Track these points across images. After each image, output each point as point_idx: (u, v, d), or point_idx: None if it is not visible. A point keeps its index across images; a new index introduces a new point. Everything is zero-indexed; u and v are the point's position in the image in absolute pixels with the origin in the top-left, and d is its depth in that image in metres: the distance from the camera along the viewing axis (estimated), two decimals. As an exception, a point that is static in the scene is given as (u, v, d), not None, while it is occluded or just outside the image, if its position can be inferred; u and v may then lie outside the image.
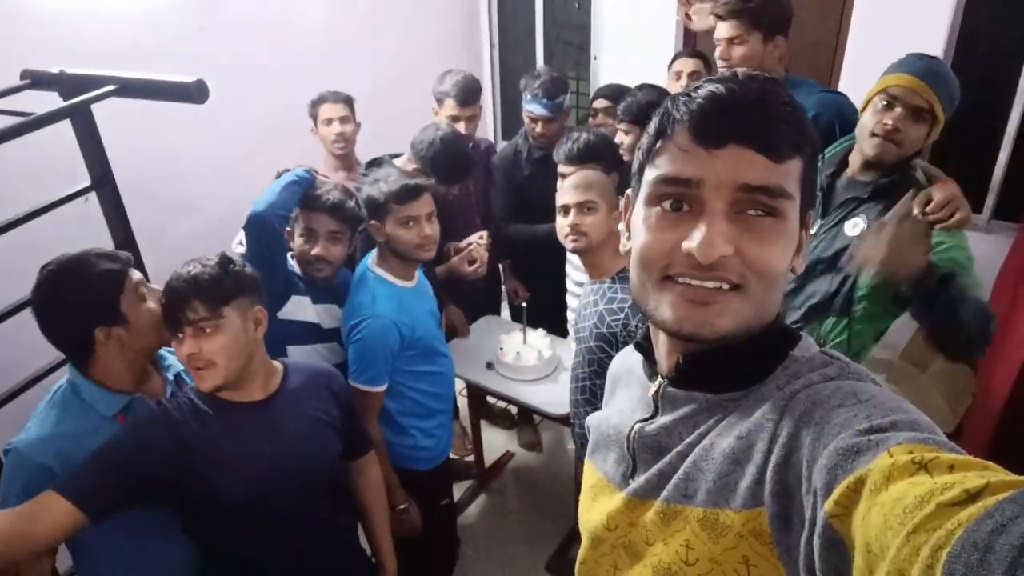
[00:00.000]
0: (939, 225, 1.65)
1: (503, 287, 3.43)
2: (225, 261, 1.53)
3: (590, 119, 3.03)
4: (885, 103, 1.73)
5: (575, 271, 2.52)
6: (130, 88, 1.52)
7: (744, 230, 0.66)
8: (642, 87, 2.58)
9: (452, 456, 2.57)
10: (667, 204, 0.69)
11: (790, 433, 0.64)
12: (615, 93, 2.88)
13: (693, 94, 0.68)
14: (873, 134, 1.74)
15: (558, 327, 2.81)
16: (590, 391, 1.93)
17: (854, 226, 1.80)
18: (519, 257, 3.15)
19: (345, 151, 2.92)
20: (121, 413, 1.49)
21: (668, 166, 0.69)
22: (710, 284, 0.67)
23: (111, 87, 1.49)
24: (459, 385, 2.80)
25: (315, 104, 2.87)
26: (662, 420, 0.78)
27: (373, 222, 2.03)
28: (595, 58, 4.20)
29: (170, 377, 1.67)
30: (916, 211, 1.62)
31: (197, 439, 1.47)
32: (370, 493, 1.87)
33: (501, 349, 2.68)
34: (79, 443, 1.39)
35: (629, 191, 0.81)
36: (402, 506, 2.08)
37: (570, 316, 2.61)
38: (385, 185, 1.99)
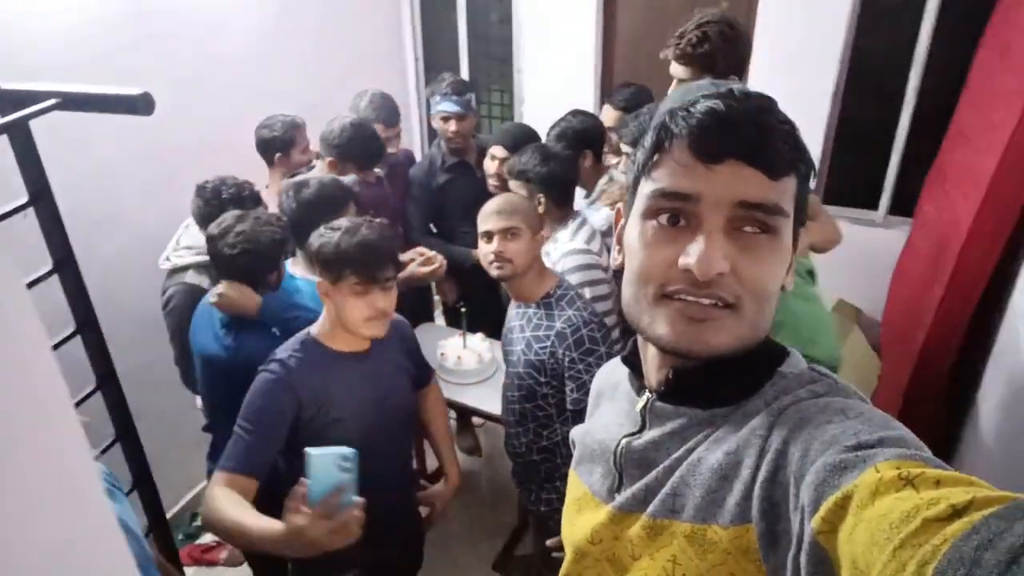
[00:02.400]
0: None
1: (434, 295, 3.48)
2: (383, 223, 1.76)
3: (486, 160, 2.83)
4: None
5: None
6: (72, 102, 1.47)
7: (741, 248, 0.66)
8: (576, 113, 2.63)
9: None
10: (664, 218, 0.69)
11: (778, 449, 0.63)
12: (516, 141, 2.67)
13: (691, 109, 0.68)
14: None
15: (496, 331, 2.89)
16: (520, 413, 1.96)
17: None
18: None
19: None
20: None
21: (666, 180, 0.68)
22: (706, 301, 0.66)
23: (52, 101, 1.45)
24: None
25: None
26: (650, 435, 0.77)
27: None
28: (518, 71, 4.32)
29: None
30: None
31: (317, 390, 1.67)
32: (433, 412, 2.11)
33: (442, 354, 2.73)
34: None
35: (620, 205, 0.80)
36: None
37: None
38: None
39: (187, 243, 2.34)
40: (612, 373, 0.95)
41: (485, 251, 1.84)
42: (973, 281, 2.30)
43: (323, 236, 1.69)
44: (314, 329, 1.76)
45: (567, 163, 2.27)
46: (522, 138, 2.70)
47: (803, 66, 3.40)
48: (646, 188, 0.71)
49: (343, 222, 1.73)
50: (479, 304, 2.93)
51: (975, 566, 0.37)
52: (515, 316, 1.95)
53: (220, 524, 1.47)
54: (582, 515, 0.86)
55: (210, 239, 1.97)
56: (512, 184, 2.27)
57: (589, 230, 2.26)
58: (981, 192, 2.18)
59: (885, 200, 3.51)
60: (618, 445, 0.81)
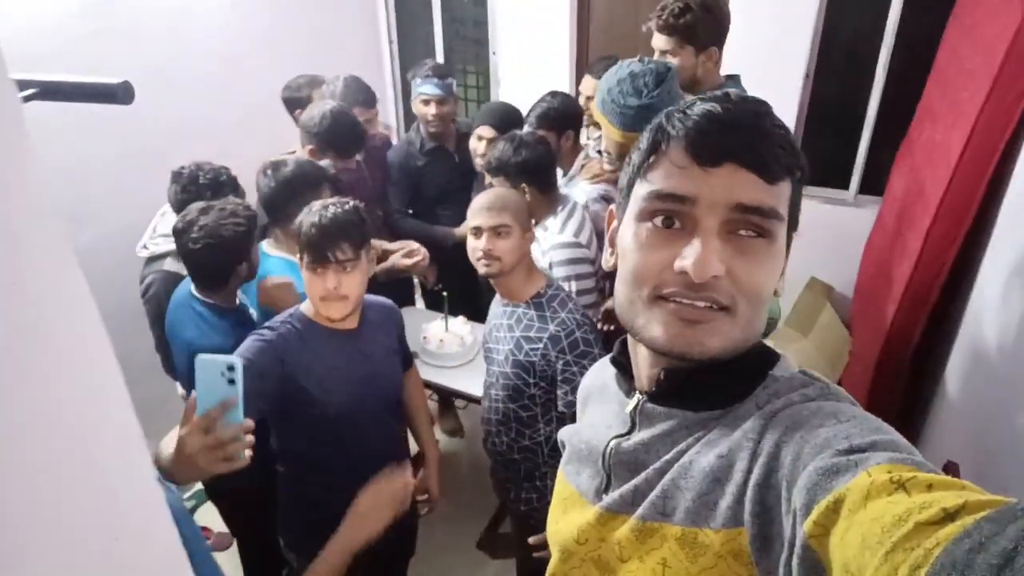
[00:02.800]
0: None
1: (414, 278, 3.49)
2: (357, 208, 1.76)
3: (472, 139, 2.84)
4: None
5: None
6: (51, 91, 1.45)
7: (736, 251, 0.66)
8: (555, 94, 2.63)
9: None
10: (659, 220, 0.69)
11: (770, 453, 0.63)
12: (504, 121, 2.73)
13: (689, 111, 0.68)
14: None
15: (477, 313, 2.91)
16: (503, 413, 1.94)
17: None
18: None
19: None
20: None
21: (663, 182, 0.68)
22: (701, 304, 0.66)
23: (31, 91, 1.42)
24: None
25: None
26: (640, 436, 0.77)
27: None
28: (494, 53, 4.31)
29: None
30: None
31: (304, 362, 1.68)
32: (412, 393, 2.14)
33: (424, 338, 2.75)
34: None
35: (613, 207, 0.80)
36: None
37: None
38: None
39: (164, 231, 2.33)
40: (599, 374, 0.95)
41: (473, 247, 1.81)
42: (941, 257, 2.35)
43: (302, 215, 1.74)
44: (303, 305, 1.80)
45: (540, 147, 2.27)
46: (507, 116, 2.75)
47: (776, 47, 3.44)
48: (641, 190, 0.70)
49: (319, 203, 1.75)
50: (460, 287, 2.94)
51: (967, 569, 0.37)
52: (502, 314, 1.92)
53: (157, 465, 1.38)
54: (568, 515, 0.86)
55: (175, 233, 1.95)
56: (494, 181, 2.27)
57: (579, 219, 2.25)
58: (949, 170, 2.24)
59: (856, 179, 3.58)
60: (607, 446, 0.80)
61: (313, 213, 1.70)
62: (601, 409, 0.89)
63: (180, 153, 2.50)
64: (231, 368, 1.21)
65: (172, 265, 2.25)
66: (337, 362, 1.75)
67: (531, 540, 1.77)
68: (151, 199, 2.43)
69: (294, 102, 3.03)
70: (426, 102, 2.96)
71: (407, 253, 2.62)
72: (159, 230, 2.35)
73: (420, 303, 3.57)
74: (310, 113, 2.59)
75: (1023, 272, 1.93)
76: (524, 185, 2.23)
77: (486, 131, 2.72)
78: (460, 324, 2.82)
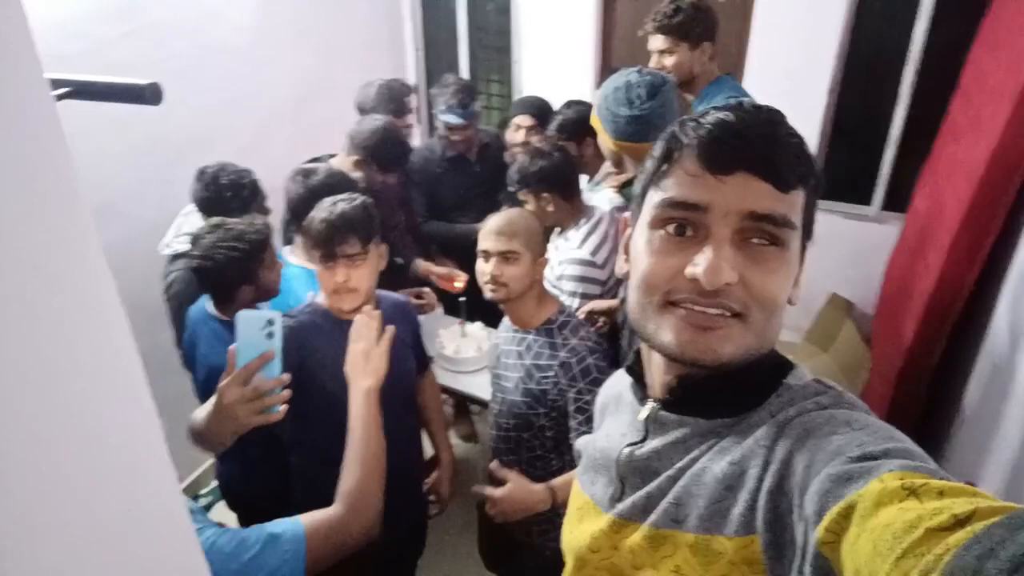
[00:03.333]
0: None
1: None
2: (365, 204, 1.80)
3: (509, 132, 3.02)
4: None
5: None
6: (84, 91, 1.51)
7: (748, 259, 0.66)
8: (570, 104, 2.67)
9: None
10: (671, 228, 0.69)
11: (783, 460, 0.63)
12: (540, 111, 2.89)
13: (702, 120, 0.68)
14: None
15: (495, 319, 2.91)
16: (515, 442, 1.85)
17: None
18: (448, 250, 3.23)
19: None
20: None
21: (675, 190, 0.68)
22: (713, 311, 0.66)
23: (64, 89, 1.48)
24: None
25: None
26: (653, 444, 0.77)
27: None
28: (516, 61, 4.33)
29: None
30: None
31: (318, 353, 1.72)
32: (429, 397, 2.17)
33: (441, 343, 2.77)
34: None
35: (627, 214, 0.80)
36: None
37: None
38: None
39: (188, 230, 2.37)
40: (616, 384, 0.95)
41: (481, 270, 1.78)
42: (962, 275, 2.33)
43: (312, 212, 1.79)
44: (320, 298, 1.85)
45: (557, 155, 2.29)
46: (543, 106, 2.87)
47: (800, 61, 3.43)
48: (655, 197, 0.71)
49: (333, 199, 1.80)
50: (477, 291, 2.94)
51: (977, 575, 0.37)
52: (510, 340, 1.86)
53: (191, 432, 1.48)
54: (583, 524, 0.86)
55: (190, 244, 1.97)
56: (519, 195, 2.30)
57: (600, 236, 2.26)
58: (971, 188, 2.22)
59: (879, 195, 3.55)
60: (620, 454, 0.81)
61: (322, 209, 1.75)
62: (617, 418, 0.89)
63: (205, 153, 2.54)
64: (270, 323, 1.27)
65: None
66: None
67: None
68: (176, 197, 2.47)
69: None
70: (449, 128, 3.01)
71: (447, 277, 2.81)
72: (183, 229, 2.39)
73: (439, 308, 3.58)
74: (361, 126, 2.66)
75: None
76: (546, 194, 2.25)
77: (524, 120, 2.84)
78: (477, 330, 2.83)
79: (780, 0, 3.41)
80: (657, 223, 0.70)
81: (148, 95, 1.60)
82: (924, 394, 2.60)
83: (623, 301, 2.03)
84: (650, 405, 0.79)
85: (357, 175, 2.54)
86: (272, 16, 3.47)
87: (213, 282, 1.97)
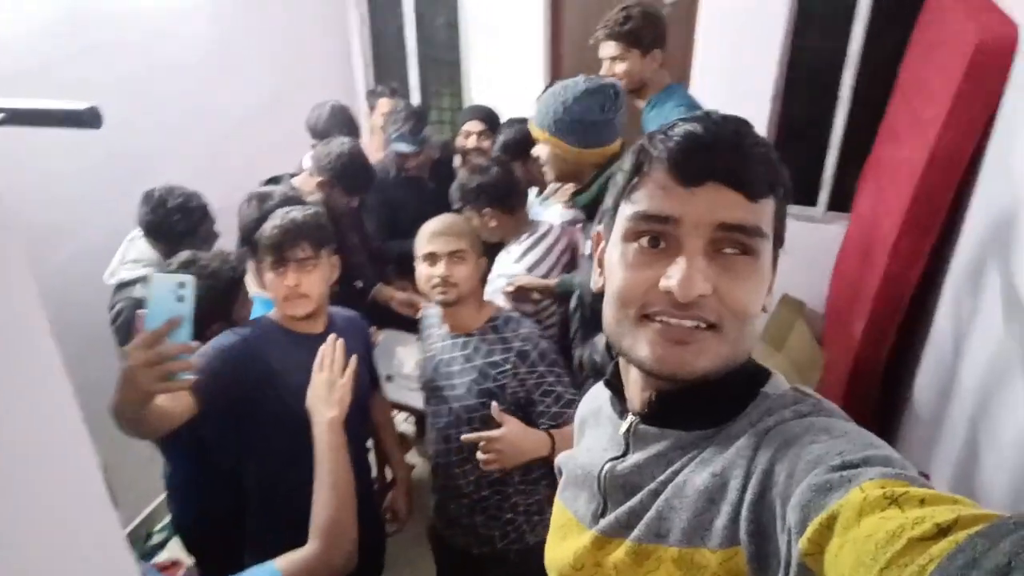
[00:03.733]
0: None
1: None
2: (317, 212, 1.81)
3: (459, 139, 3.09)
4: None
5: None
6: (18, 117, 1.46)
7: (721, 269, 0.66)
8: (512, 122, 2.69)
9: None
10: (644, 241, 0.69)
11: (764, 470, 0.63)
12: (489, 117, 2.96)
13: (670, 132, 0.68)
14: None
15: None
16: (468, 449, 1.74)
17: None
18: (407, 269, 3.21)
19: None
20: None
21: (646, 203, 0.68)
22: (688, 323, 0.66)
23: None
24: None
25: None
26: (634, 458, 0.77)
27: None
28: (467, 75, 4.34)
29: None
30: None
31: (272, 367, 1.70)
32: (381, 413, 2.18)
33: (399, 361, 2.74)
34: None
35: (600, 228, 0.80)
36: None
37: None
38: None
39: (133, 256, 2.30)
40: (595, 399, 0.94)
41: (429, 274, 1.75)
42: (907, 272, 2.40)
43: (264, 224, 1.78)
44: (271, 312, 1.83)
45: (496, 170, 2.30)
46: (491, 113, 2.93)
47: (744, 69, 3.51)
48: (626, 211, 0.71)
49: (285, 208, 1.80)
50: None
51: None
52: (451, 348, 1.83)
53: (112, 411, 1.40)
54: (566, 541, 0.85)
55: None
56: (462, 211, 2.32)
57: (540, 253, 2.28)
58: (912, 187, 2.28)
59: (824, 197, 3.64)
60: (602, 470, 0.80)
61: (274, 217, 1.77)
62: (596, 433, 0.88)
63: (156, 174, 2.48)
64: (182, 285, 1.25)
65: (142, 291, 2.22)
66: (306, 364, 1.71)
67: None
68: (126, 220, 2.40)
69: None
70: (401, 155, 3.01)
71: (407, 303, 2.83)
72: (128, 256, 2.32)
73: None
74: (327, 148, 2.66)
75: (984, 287, 1.98)
76: (488, 209, 2.26)
77: (474, 125, 2.90)
78: (436, 345, 2.80)
79: (722, 10, 3.48)
80: (630, 236, 0.70)
81: (87, 119, 1.55)
82: (877, 393, 2.66)
83: (577, 308, 2.06)
84: (630, 419, 0.78)
85: (315, 197, 2.51)
86: (222, 34, 3.42)
87: None
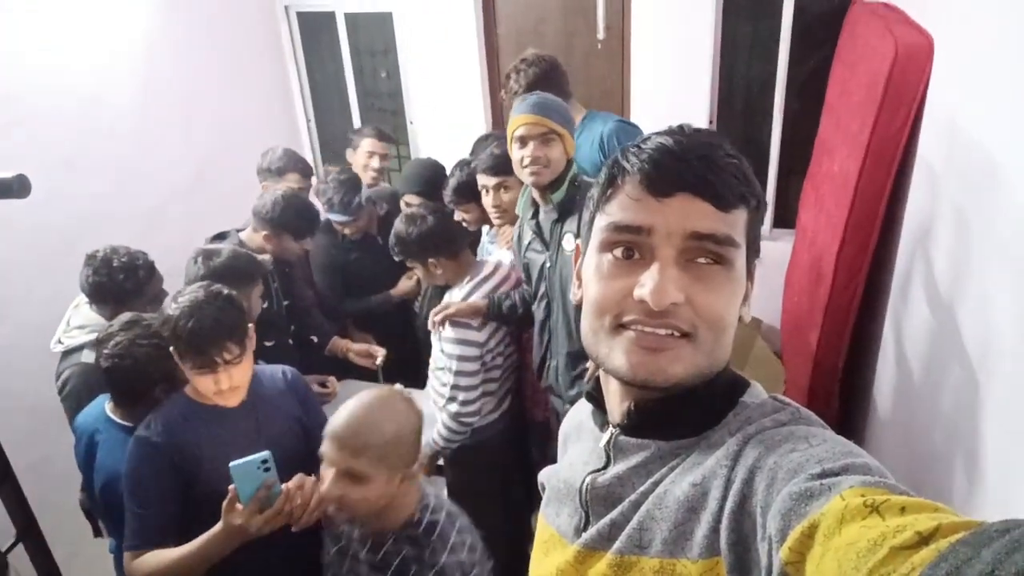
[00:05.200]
0: None
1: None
2: (231, 298, 1.70)
3: (403, 205, 2.92)
4: (519, 143, 1.97)
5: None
6: None
7: (694, 279, 0.67)
8: (462, 165, 2.61)
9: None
10: (619, 251, 0.70)
11: (744, 479, 0.63)
12: (428, 184, 2.83)
13: (643, 145, 0.70)
14: (524, 167, 1.97)
15: (416, 380, 2.85)
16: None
17: (569, 243, 2.00)
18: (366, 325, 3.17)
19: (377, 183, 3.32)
20: None
21: (619, 214, 0.70)
22: (662, 331, 0.67)
23: None
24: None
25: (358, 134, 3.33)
26: (615, 470, 0.77)
27: None
28: (411, 122, 4.38)
29: None
30: None
31: (198, 447, 1.66)
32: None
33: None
34: None
35: (579, 241, 0.81)
36: None
37: (432, 366, 2.46)
38: None
39: (78, 323, 2.24)
40: (577, 414, 0.94)
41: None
42: (853, 279, 2.46)
43: (168, 310, 1.65)
44: (187, 388, 1.75)
45: (432, 218, 2.28)
46: (431, 178, 2.82)
47: (679, 95, 3.62)
48: (601, 222, 0.72)
49: (187, 296, 1.66)
50: (396, 353, 2.90)
51: None
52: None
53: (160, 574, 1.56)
54: (549, 557, 0.84)
55: (95, 343, 1.82)
56: (407, 263, 2.36)
57: (483, 293, 2.29)
58: (849, 196, 2.35)
59: (768, 215, 3.72)
60: (583, 483, 0.80)
61: (186, 311, 1.61)
62: (579, 447, 0.88)
63: (94, 241, 2.43)
64: (264, 461, 1.48)
65: (89, 357, 2.14)
66: (223, 440, 1.68)
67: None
68: (64, 291, 2.34)
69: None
70: (340, 224, 2.96)
71: (365, 354, 2.81)
72: (73, 322, 2.25)
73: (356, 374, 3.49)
74: (262, 201, 2.60)
75: (926, 287, 2.03)
76: (432, 259, 2.26)
77: (413, 199, 2.79)
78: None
79: (652, 40, 3.59)
80: (604, 247, 0.71)
81: (16, 188, 1.51)
82: (837, 399, 2.70)
83: (545, 321, 2.11)
84: (610, 431, 0.79)
85: (266, 254, 2.48)
86: (156, 97, 3.41)
87: (128, 382, 1.80)
